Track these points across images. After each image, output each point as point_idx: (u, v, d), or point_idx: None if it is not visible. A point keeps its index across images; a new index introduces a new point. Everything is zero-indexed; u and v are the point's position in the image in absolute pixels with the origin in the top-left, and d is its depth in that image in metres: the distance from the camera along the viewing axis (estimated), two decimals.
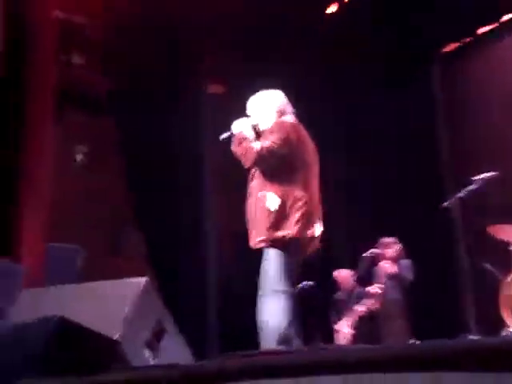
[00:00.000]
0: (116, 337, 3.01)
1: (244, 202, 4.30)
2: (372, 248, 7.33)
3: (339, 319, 7.95)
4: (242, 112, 4.50)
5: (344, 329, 7.77)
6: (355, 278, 7.73)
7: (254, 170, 4.23)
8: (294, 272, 4.10)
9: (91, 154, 8.60)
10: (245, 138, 4.16)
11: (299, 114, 4.48)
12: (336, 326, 7.94)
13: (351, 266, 7.97)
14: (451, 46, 9.12)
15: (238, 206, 4.49)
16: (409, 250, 7.35)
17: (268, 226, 3.98)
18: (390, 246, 7.22)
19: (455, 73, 9.18)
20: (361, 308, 7.70)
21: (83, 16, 9.09)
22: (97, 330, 2.88)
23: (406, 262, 7.21)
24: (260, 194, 4.08)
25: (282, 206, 4.00)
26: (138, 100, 8.66)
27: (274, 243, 3.99)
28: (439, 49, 9.17)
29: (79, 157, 5.40)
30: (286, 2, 8.75)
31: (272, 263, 3.98)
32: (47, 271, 6.34)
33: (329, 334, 7.94)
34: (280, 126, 4.18)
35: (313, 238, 4.13)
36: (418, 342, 6.33)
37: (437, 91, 9.10)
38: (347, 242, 9.19)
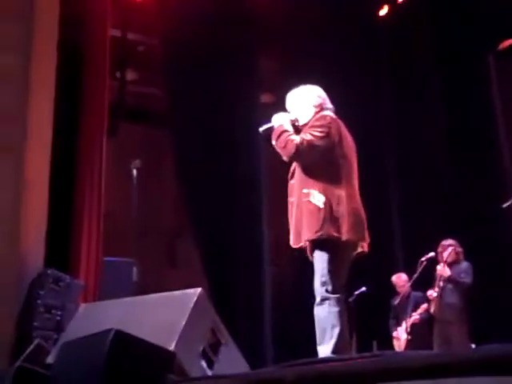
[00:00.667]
0: (172, 348, 3.03)
1: None
2: (431, 250, 7.21)
3: (398, 325, 7.85)
4: None
5: (402, 335, 7.67)
6: (411, 282, 7.61)
7: (293, 167, 4.14)
8: (343, 276, 3.97)
9: (146, 167, 8.75)
10: (285, 131, 4.09)
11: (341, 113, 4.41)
12: (394, 333, 7.85)
13: (409, 270, 7.87)
14: (508, 42, 8.95)
15: None
16: (469, 252, 7.20)
17: (316, 225, 3.84)
18: (450, 249, 7.08)
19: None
20: (417, 313, 7.59)
21: (136, 33, 9.28)
22: (153, 342, 2.90)
23: (465, 265, 7.06)
24: (304, 190, 3.96)
25: (328, 204, 3.87)
26: (192, 113, 8.75)
27: (323, 244, 3.87)
28: (495, 45, 9.01)
29: (134, 170, 5.45)
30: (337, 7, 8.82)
31: (319, 266, 3.88)
32: (103, 285, 6.45)
33: (387, 341, 7.84)
34: (321, 119, 4.10)
35: (361, 240, 4.01)
36: (473, 347, 6.20)
37: (494, 92, 8.93)
38: (404, 245, 9.07)
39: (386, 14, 9.48)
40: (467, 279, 6.94)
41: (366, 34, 9.42)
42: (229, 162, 8.74)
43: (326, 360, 3.44)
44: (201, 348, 3.25)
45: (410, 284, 7.66)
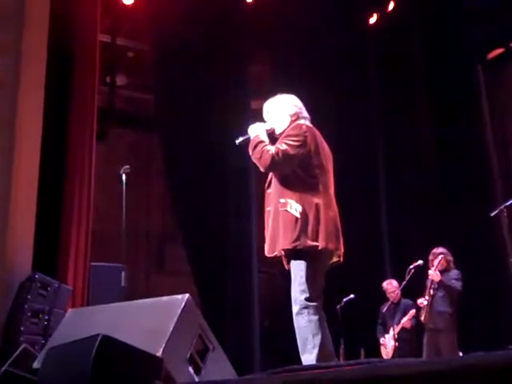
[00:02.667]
0: (160, 354, 3.03)
1: None
2: (420, 258, 7.23)
3: (385, 332, 7.86)
4: None
5: (389, 342, 7.69)
6: (400, 289, 7.64)
7: (270, 176, 4.12)
8: (320, 284, 3.92)
9: (135, 171, 8.74)
10: (261, 142, 4.06)
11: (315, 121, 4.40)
12: (381, 340, 7.86)
13: (397, 277, 7.89)
14: (496, 52, 9.04)
15: None
16: (458, 260, 7.23)
17: (293, 235, 3.82)
18: (440, 257, 7.10)
19: (501, 79, 9.09)
20: (405, 320, 7.62)
21: (126, 38, 9.29)
22: (141, 347, 2.89)
23: (454, 273, 7.08)
24: (281, 200, 3.94)
25: (305, 214, 3.85)
26: (182, 118, 8.74)
27: (300, 254, 3.84)
28: (484, 55, 9.09)
29: (123, 175, 5.45)
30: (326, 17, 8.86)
31: (297, 274, 3.85)
32: (91, 290, 6.43)
33: (374, 348, 7.85)
34: (296, 128, 4.07)
35: (337, 249, 3.98)
36: (461, 355, 6.22)
37: (483, 99, 8.99)
38: (393, 252, 9.10)
39: (376, 22, 9.54)
40: (457, 285, 6.97)
41: (355, 41, 9.48)
42: (218, 167, 8.74)
43: (313, 367, 3.44)
44: (188, 354, 3.24)
45: (399, 291, 7.68)
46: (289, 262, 3.96)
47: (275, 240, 3.93)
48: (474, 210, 8.16)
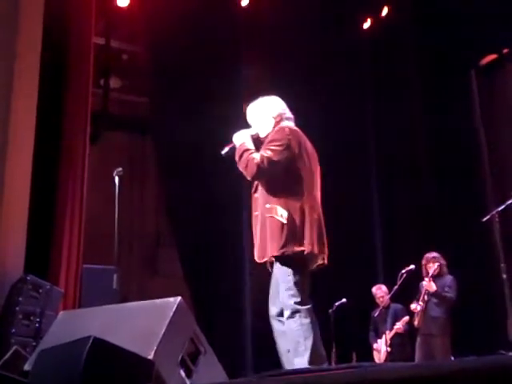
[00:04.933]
0: (151, 357, 3.02)
1: None
2: (412, 263, 7.24)
3: (378, 337, 7.87)
4: None
5: (382, 347, 7.70)
6: (391, 294, 7.64)
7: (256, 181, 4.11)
8: (307, 288, 3.95)
9: (129, 174, 8.72)
10: (246, 150, 4.04)
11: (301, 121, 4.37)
12: (374, 345, 7.87)
13: (389, 282, 7.90)
14: (489, 58, 9.08)
15: None
16: (450, 265, 7.24)
17: (280, 241, 3.84)
18: (433, 262, 7.10)
19: (494, 85, 9.13)
20: (399, 324, 7.63)
21: (120, 41, 9.28)
22: (132, 350, 2.89)
23: (448, 280, 7.07)
24: (267, 205, 3.95)
25: (291, 219, 3.86)
26: (175, 121, 8.73)
27: (287, 259, 3.86)
28: (477, 61, 9.13)
29: (117, 177, 5.45)
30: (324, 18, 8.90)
31: (284, 279, 3.87)
32: (83, 292, 6.41)
33: (366, 352, 7.86)
34: (280, 132, 4.06)
35: (322, 252, 3.99)
36: (452, 359, 6.23)
37: (476, 105, 9.03)
38: (385, 257, 9.12)
39: (370, 26, 9.56)
40: (452, 294, 6.97)
41: (349, 45, 9.50)
42: (212, 170, 8.73)
43: (304, 371, 3.44)
44: (179, 357, 3.24)
45: (389, 296, 7.69)
46: (273, 267, 3.98)
47: (264, 246, 3.95)
48: (466, 215, 8.19)
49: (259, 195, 4.06)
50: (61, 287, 6.17)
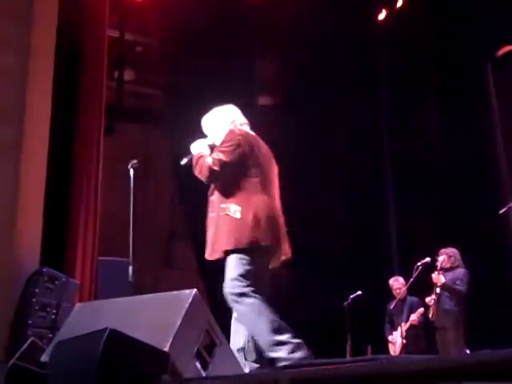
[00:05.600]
0: (167, 349, 3.03)
1: None
2: (428, 256, 7.21)
3: (393, 329, 7.86)
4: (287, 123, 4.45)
5: (397, 339, 7.68)
6: (407, 286, 7.62)
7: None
8: (263, 282, 4.02)
9: (143, 166, 8.74)
10: (200, 157, 4.15)
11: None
12: (390, 337, 7.86)
13: (404, 274, 7.88)
14: (505, 49, 8.99)
15: None
16: (466, 258, 7.20)
17: (232, 236, 3.93)
18: (441, 254, 7.08)
19: (510, 76, 9.04)
20: (413, 317, 7.61)
21: (134, 33, 9.29)
22: (148, 342, 2.90)
23: (461, 273, 7.04)
24: (222, 205, 4.05)
25: (244, 214, 3.94)
26: (189, 113, 8.74)
27: (239, 252, 3.92)
28: (493, 53, 9.04)
29: (131, 170, 5.46)
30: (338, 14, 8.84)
31: (234, 271, 3.92)
32: (99, 284, 6.44)
33: (382, 345, 7.85)
34: (229, 134, 4.15)
35: (275, 245, 4.05)
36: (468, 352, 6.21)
37: (492, 100, 8.95)
38: (401, 250, 9.09)
39: (385, 18, 9.51)
40: (462, 287, 6.92)
41: (363, 39, 9.45)
42: None
43: (320, 363, 3.44)
44: (195, 349, 3.24)
45: (406, 288, 7.67)
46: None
47: (214, 244, 4.04)
48: (483, 207, 8.14)
49: (215, 197, 4.16)
50: (77, 279, 6.20)
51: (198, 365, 3.25)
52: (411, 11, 9.29)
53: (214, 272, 8.50)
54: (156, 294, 3.79)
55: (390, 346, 7.84)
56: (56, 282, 5.59)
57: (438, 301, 7.01)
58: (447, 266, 7.04)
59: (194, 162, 4.18)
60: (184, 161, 4.30)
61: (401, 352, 7.48)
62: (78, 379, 2.78)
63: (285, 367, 3.17)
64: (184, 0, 8.25)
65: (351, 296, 7.77)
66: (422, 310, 7.55)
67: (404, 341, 7.53)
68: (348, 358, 6.73)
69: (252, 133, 4.31)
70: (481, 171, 8.65)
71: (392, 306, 7.81)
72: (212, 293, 8.01)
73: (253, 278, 3.90)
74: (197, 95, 8.71)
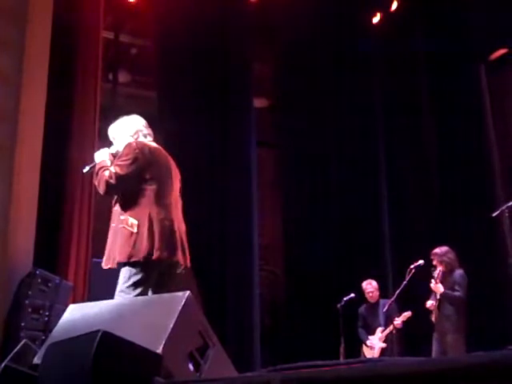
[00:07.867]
0: (160, 351, 3.03)
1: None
2: (421, 258, 7.19)
3: (369, 333, 7.79)
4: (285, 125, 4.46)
5: (376, 343, 7.63)
6: (400, 289, 7.59)
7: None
8: (161, 290, 4.08)
9: None
10: (101, 168, 4.19)
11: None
12: (368, 342, 7.77)
13: (397, 277, 7.88)
14: (499, 53, 9.03)
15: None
16: (460, 260, 7.19)
17: (127, 249, 4.00)
18: (440, 261, 7.03)
19: (503, 79, 9.08)
20: (398, 321, 7.52)
21: (129, 35, 9.29)
22: (141, 344, 2.89)
23: (458, 276, 6.96)
24: (122, 217, 4.11)
25: (140, 227, 4.02)
26: (184, 116, 8.74)
27: (133, 265, 4.01)
28: (487, 56, 9.08)
29: None
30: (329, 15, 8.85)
31: (122, 283, 4.02)
32: (92, 286, 6.43)
33: (354, 349, 7.80)
34: (127, 148, 4.21)
35: (171, 257, 4.14)
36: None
37: (485, 103, 8.98)
38: (394, 252, 9.10)
39: (379, 21, 9.53)
40: (460, 293, 6.86)
41: (357, 40, 9.46)
42: (221, 165, 8.74)
43: (313, 365, 3.44)
44: (188, 351, 3.24)
45: (395, 293, 7.63)
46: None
47: (113, 254, 4.11)
48: (476, 210, 8.16)
49: (116, 208, 4.22)
50: (70, 281, 6.19)
51: (191, 367, 3.25)
52: (405, 14, 9.31)
53: (207, 273, 8.51)
54: (149, 296, 3.79)
55: (366, 349, 7.77)
56: (49, 284, 5.58)
57: (438, 306, 6.98)
58: (445, 270, 7.01)
59: (95, 172, 4.24)
60: (86, 169, 4.38)
61: (380, 356, 7.43)
62: (70, 381, 2.77)
63: (277, 369, 3.16)
64: (179, 1, 8.25)
65: (344, 298, 7.76)
66: (409, 313, 7.51)
67: (384, 345, 7.50)
68: (342, 359, 6.72)
69: (153, 145, 4.38)
70: (475, 176, 8.67)
71: (364, 310, 7.82)
72: (206, 295, 8.03)
73: (143, 290, 4.00)
74: (191, 97, 8.72)
